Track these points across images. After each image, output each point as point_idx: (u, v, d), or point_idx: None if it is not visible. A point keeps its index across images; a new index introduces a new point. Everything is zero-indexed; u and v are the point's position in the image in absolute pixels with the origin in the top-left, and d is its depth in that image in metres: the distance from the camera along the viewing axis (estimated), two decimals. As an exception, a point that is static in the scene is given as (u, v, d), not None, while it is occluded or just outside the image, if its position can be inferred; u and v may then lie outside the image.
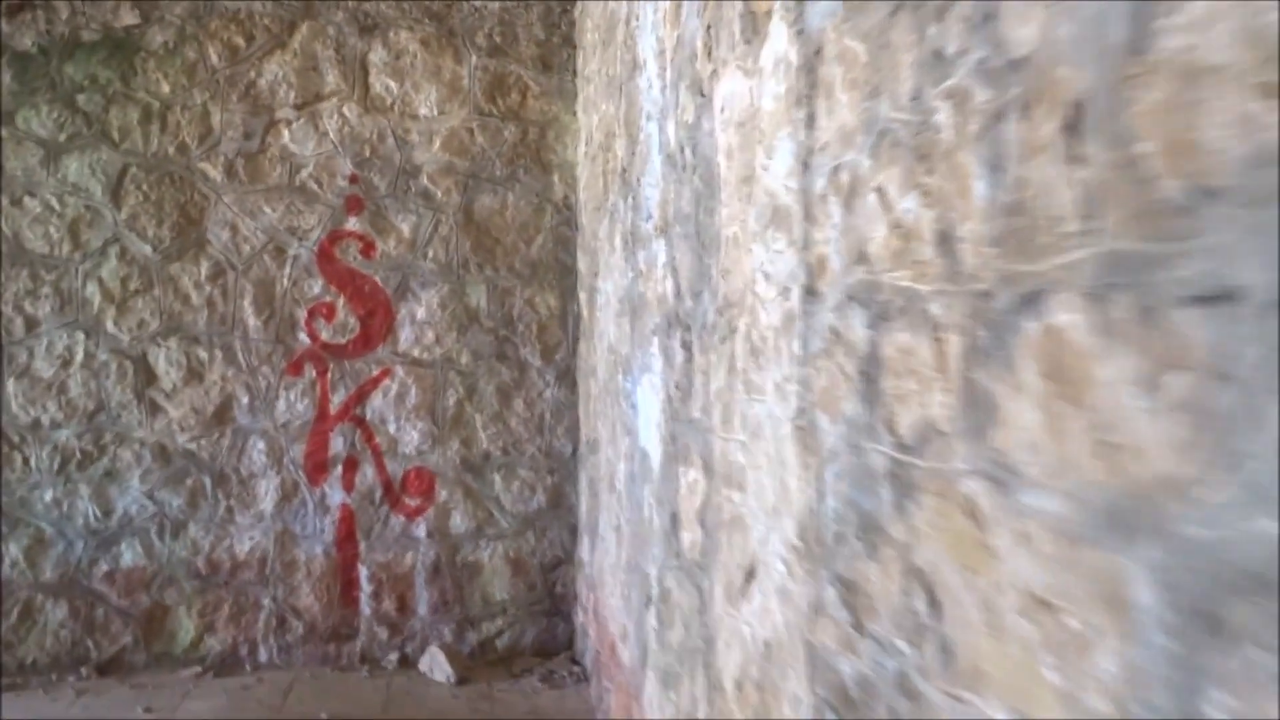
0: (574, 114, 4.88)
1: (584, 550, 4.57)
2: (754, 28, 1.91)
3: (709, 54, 2.29)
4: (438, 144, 4.86)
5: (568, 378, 4.87)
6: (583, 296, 4.67)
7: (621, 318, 3.55)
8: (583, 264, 4.66)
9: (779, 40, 1.72)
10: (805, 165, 1.58)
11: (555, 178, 4.91)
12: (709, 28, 2.29)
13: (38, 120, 4.69)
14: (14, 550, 4.64)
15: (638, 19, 3.28)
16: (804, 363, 1.57)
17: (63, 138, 4.70)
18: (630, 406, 3.35)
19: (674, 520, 2.63)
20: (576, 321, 4.82)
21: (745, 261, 1.92)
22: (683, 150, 2.54)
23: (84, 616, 4.66)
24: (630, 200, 3.39)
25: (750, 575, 1.87)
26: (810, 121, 1.56)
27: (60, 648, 4.65)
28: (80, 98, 4.71)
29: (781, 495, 1.68)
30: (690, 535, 2.42)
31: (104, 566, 4.68)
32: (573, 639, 4.80)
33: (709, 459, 2.22)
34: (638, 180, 3.24)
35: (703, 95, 2.34)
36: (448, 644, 4.71)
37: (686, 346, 2.47)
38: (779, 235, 1.71)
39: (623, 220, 3.55)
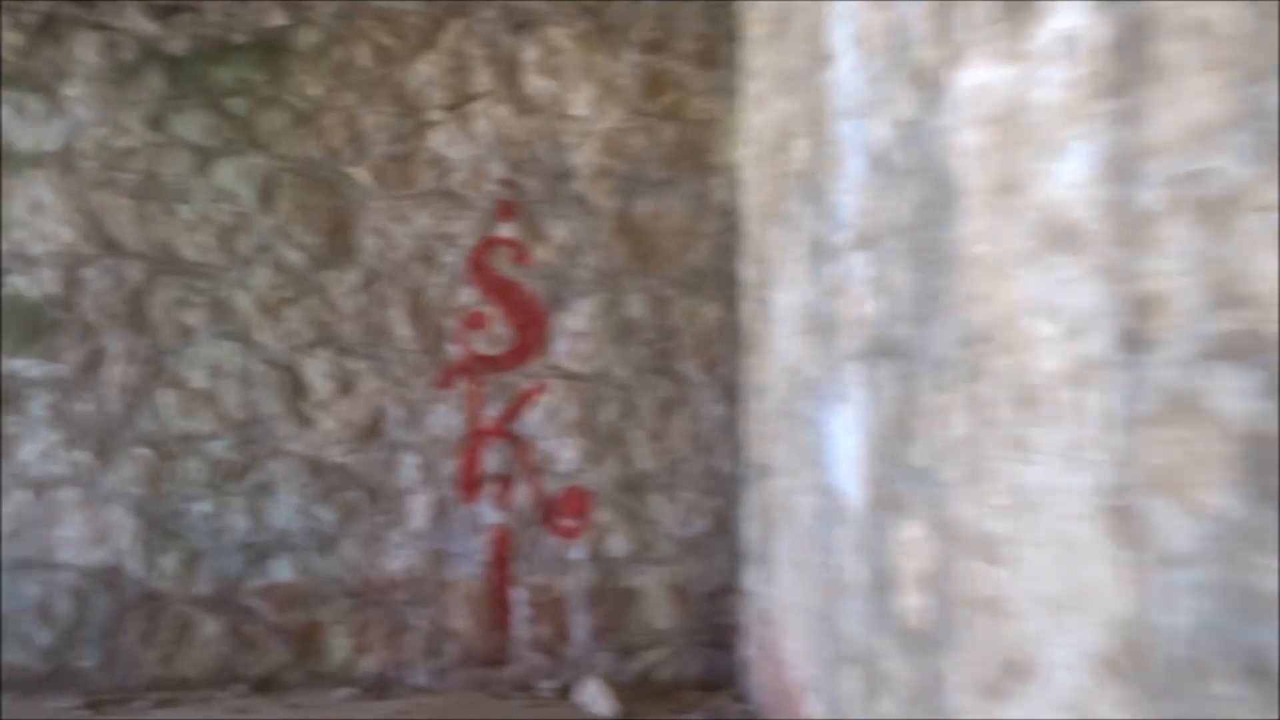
0: (738, 113, 4.56)
1: (753, 581, 4.26)
2: (1017, 2, 1.56)
3: (940, 38, 1.94)
4: (593, 145, 4.60)
5: (732, 394, 4.56)
6: (749, 308, 4.35)
7: (804, 336, 3.22)
8: (749, 273, 4.34)
9: (1069, 14, 1.37)
10: (1120, 172, 1.23)
11: (717, 181, 4.60)
12: (938, 8, 1.95)
13: (189, 125, 4.61)
14: (169, 563, 4.56)
15: (827, 5, 2.94)
16: (1121, 428, 1.22)
17: (213, 143, 4.61)
18: (818, 436, 3.02)
19: (884, 577, 2.29)
20: (741, 335, 4.50)
21: (1005, 288, 1.58)
22: (898, 152, 2.20)
23: (238, 632, 4.56)
24: (815, 207, 3.06)
25: (1016, 673, 1.53)
26: (1129, 116, 1.22)
27: (215, 663, 4.56)
28: (230, 102, 4.61)
29: (1073, 588, 1.34)
30: (911, 601, 2.08)
31: (257, 582, 4.57)
32: (738, 674, 4.49)
33: (943, 518, 1.88)
34: (826, 185, 2.91)
35: (928, 87, 2.00)
36: (606, 674, 4.46)
37: (904, 380, 2.14)
38: (1067, 259, 1.37)
39: (804, 229, 3.22)
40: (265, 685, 4.53)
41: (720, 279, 4.57)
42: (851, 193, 2.61)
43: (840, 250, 2.72)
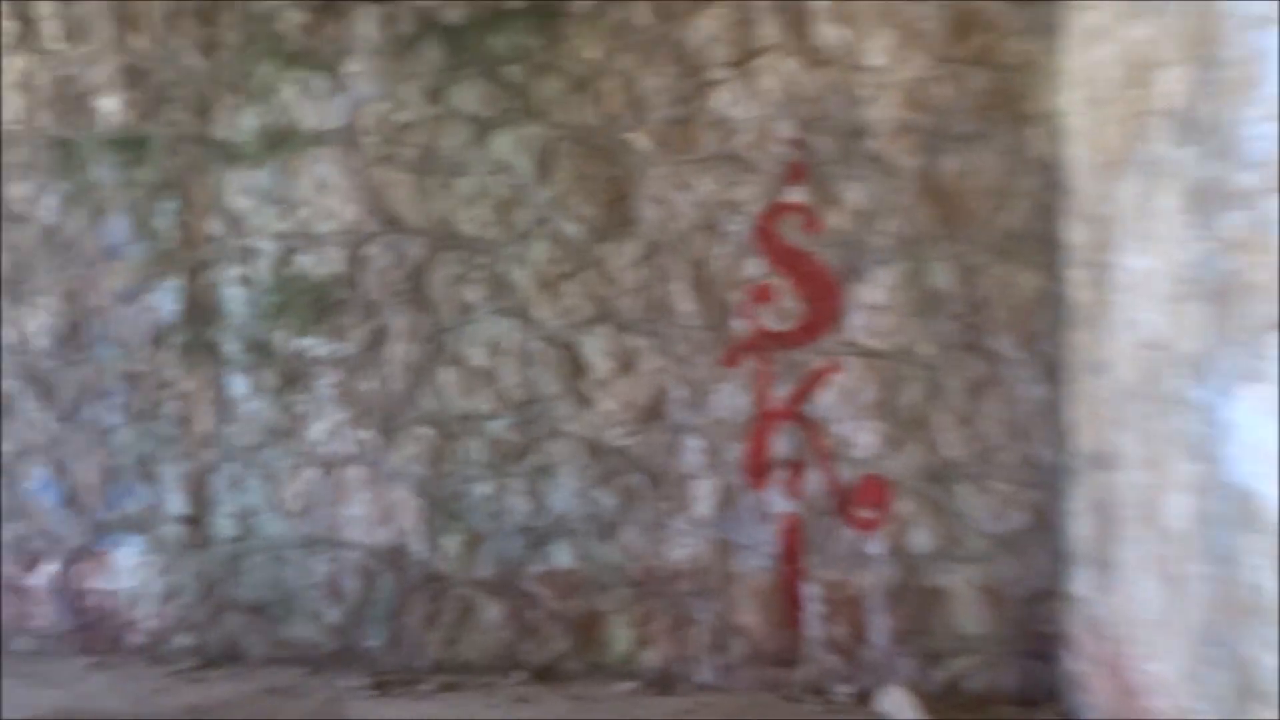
0: (1062, 52, 3.99)
1: (1083, 586, 3.73)
2: None
3: None
4: (891, 98, 4.15)
5: (1054, 373, 4.02)
6: (1078, 275, 3.80)
7: (1178, 303, 2.70)
8: (1078, 235, 3.79)
9: None
10: None
11: (1036, 132, 4.05)
12: None
13: (466, 96, 4.47)
14: (451, 545, 4.48)
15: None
16: None
17: (490, 113, 4.46)
18: (1203, 424, 2.50)
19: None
20: (1067, 305, 3.94)
21: None
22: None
23: (519, 618, 4.43)
24: (1202, 146, 2.53)
25: None
26: None
27: (497, 649, 4.45)
28: (506, 70, 4.44)
29: None
30: None
31: (538, 567, 4.42)
32: (1062, 689, 3.96)
33: None
34: (1222, 116, 2.39)
35: None
36: (909, 681, 4.04)
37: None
38: None
39: (1181, 174, 2.69)
40: (546, 674, 4.38)
41: (1039, 243, 4.03)
42: (1272, 120, 2.09)
43: (1250, 194, 2.20)
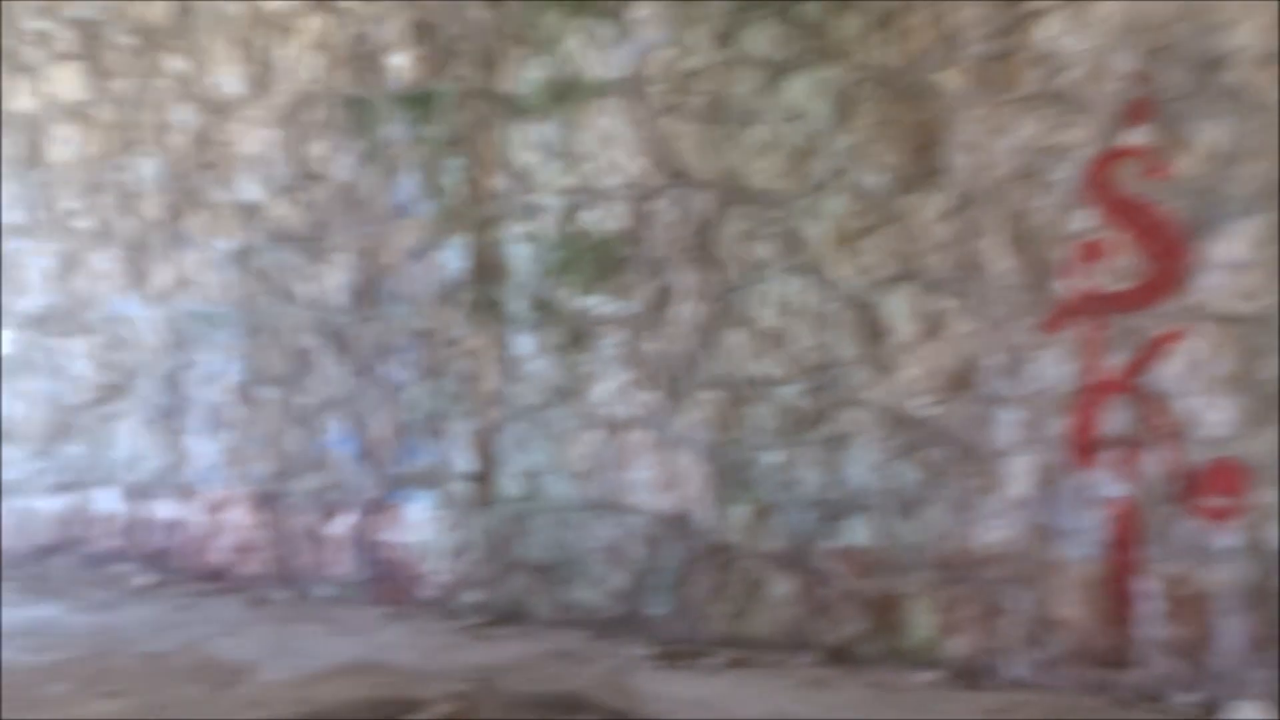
0: None
1: None
2: None
3: None
4: (1258, 21, 3.53)
5: None
6: None
7: None
8: None
9: None
10: None
11: None
12: None
13: (757, 39, 4.18)
14: (739, 515, 4.28)
15: None
16: None
17: (784, 56, 4.15)
18: None
19: None
20: None
21: None
22: None
23: (810, 595, 4.18)
24: None
25: None
26: None
27: (786, 626, 4.22)
28: (802, 8, 4.11)
29: None
30: None
31: (831, 543, 4.15)
32: None
33: None
34: None
35: None
36: (1267, 695, 3.52)
37: None
38: None
39: None
40: (839, 656, 4.12)
41: None
42: None
43: None
